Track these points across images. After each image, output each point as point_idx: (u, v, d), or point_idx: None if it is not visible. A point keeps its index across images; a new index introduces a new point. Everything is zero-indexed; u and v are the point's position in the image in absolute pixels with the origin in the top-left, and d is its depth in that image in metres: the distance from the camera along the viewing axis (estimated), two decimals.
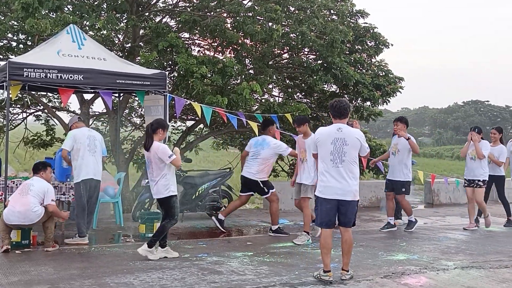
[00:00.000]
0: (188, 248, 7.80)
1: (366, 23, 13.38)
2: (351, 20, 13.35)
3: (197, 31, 12.32)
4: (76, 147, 7.93)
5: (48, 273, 6.22)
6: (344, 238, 6.12)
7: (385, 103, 13.27)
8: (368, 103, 13.16)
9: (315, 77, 11.99)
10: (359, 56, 12.68)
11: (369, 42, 13.14)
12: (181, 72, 10.55)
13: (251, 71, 12.79)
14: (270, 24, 11.26)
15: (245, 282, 5.99)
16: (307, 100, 14.47)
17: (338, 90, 13.55)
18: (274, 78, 12.94)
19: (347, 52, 12.80)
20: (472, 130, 10.05)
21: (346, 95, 13.53)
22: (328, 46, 11.32)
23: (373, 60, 13.51)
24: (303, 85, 13.90)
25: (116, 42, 13.27)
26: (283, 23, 11.65)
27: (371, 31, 13.10)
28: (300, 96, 14.63)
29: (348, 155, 5.96)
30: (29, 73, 7.68)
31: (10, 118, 13.80)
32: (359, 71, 12.68)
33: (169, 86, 12.17)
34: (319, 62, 12.39)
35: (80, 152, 7.92)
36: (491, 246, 8.39)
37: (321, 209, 6.05)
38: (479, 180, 9.83)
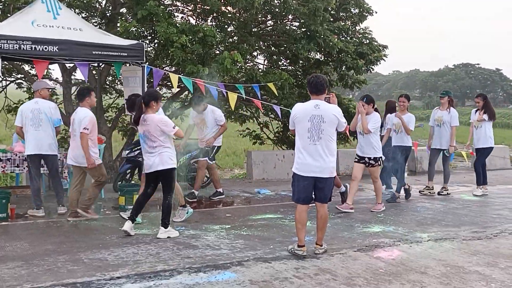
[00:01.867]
0: None
1: None
2: None
3: None
4: (23, 122, 7.95)
5: (23, 248, 6.24)
6: (320, 214, 6.17)
7: (368, 71, 13.25)
8: (352, 71, 13.10)
9: (298, 45, 11.88)
10: (343, 23, 12.56)
11: (353, 10, 13.01)
12: (161, 42, 10.39)
13: (235, 38, 12.65)
14: None
15: (219, 257, 6.04)
16: (292, 67, 14.38)
17: (322, 58, 13.47)
18: (257, 46, 12.79)
19: (331, 19, 12.68)
20: (360, 100, 8.88)
21: (330, 63, 13.48)
22: (310, 14, 11.17)
23: (357, 27, 13.39)
24: (287, 52, 13.79)
25: (98, 8, 13.04)
26: None
27: None
28: (285, 63, 14.54)
29: (325, 132, 5.94)
30: (2, 44, 7.52)
31: None
32: (343, 39, 12.58)
33: (151, 54, 12.04)
34: (302, 30, 12.26)
35: (26, 127, 7.93)
36: (467, 217, 8.49)
37: (298, 185, 6.06)
38: (369, 158, 8.80)
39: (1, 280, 5.11)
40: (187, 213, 7.82)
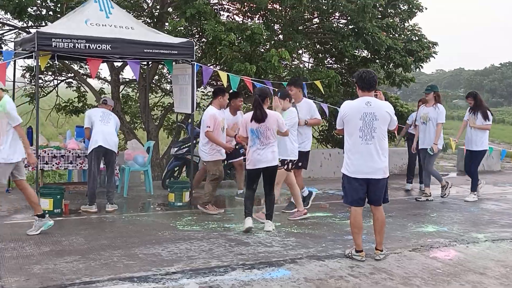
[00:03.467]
0: (216, 217, 7.84)
1: None
2: None
3: None
4: (91, 121, 8.21)
5: (79, 243, 6.35)
6: (376, 216, 5.89)
7: (417, 69, 13.01)
8: (400, 69, 12.88)
9: (345, 42, 11.77)
10: (391, 20, 12.35)
11: (402, 6, 12.78)
12: (209, 39, 10.44)
13: (280, 37, 12.63)
14: None
15: (272, 254, 6.01)
16: (338, 65, 14.26)
17: (369, 56, 13.30)
18: (304, 44, 12.70)
19: (379, 17, 12.51)
20: (275, 95, 7.67)
21: (377, 61, 13.31)
22: (359, 11, 11.02)
23: (406, 24, 13.17)
24: (333, 50, 13.69)
25: (145, 8, 13.20)
26: None
27: None
28: (330, 61, 14.44)
29: (378, 130, 5.68)
30: (58, 43, 7.65)
31: (42, 85, 14.00)
32: (391, 36, 12.39)
33: (198, 53, 12.12)
34: (350, 27, 12.14)
35: (94, 124, 8.17)
36: None
37: (349, 187, 5.81)
38: (287, 161, 7.57)
39: (60, 273, 5.20)
40: (45, 224, 6.70)
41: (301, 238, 6.76)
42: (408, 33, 12.97)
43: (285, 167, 7.62)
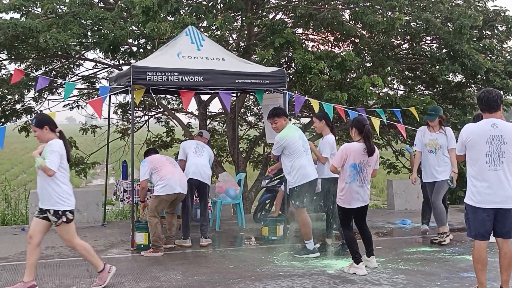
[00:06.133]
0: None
1: (496, 6, 12.29)
2: (479, 4, 12.30)
3: (311, 26, 11.98)
4: (185, 153, 8.20)
5: (177, 279, 6.14)
6: (504, 251, 5.28)
7: None
8: (501, 92, 12.08)
9: (439, 66, 11.19)
10: (488, 42, 11.65)
11: (500, 27, 12.04)
12: (299, 68, 10.22)
13: (367, 64, 12.23)
14: (389, 13, 10.63)
15: None
16: (429, 92, 13.62)
17: (464, 80, 12.62)
18: (396, 70, 12.23)
19: (475, 39, 11.85)
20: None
21: (473, 85, 12.60)
22: (455, 33, 10.45)
23: (504, 45, 12.40)
24: (424, 76, 13.10)
25: (231, 42, 13.24)
26: (403, 11, 10.95)
27: (502, 14, 11.97)
28: (421, 88, 13.85)
29: (507, 154, 5.15)
30: (152, 76, 7.68)
31: (136, 121, 14.24)
32: (489, 58, 11.68)
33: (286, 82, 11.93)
34: (444, 50, 11.57)
35: (188, 156, 8.14)
36: None
37: (474, 218, 5.25)
38: (48, 211, 5.54)
39: None
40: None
41: (411, 275, 6.24)
42: (506, 54, 12.19)
43: (63, 219, 5.51)
